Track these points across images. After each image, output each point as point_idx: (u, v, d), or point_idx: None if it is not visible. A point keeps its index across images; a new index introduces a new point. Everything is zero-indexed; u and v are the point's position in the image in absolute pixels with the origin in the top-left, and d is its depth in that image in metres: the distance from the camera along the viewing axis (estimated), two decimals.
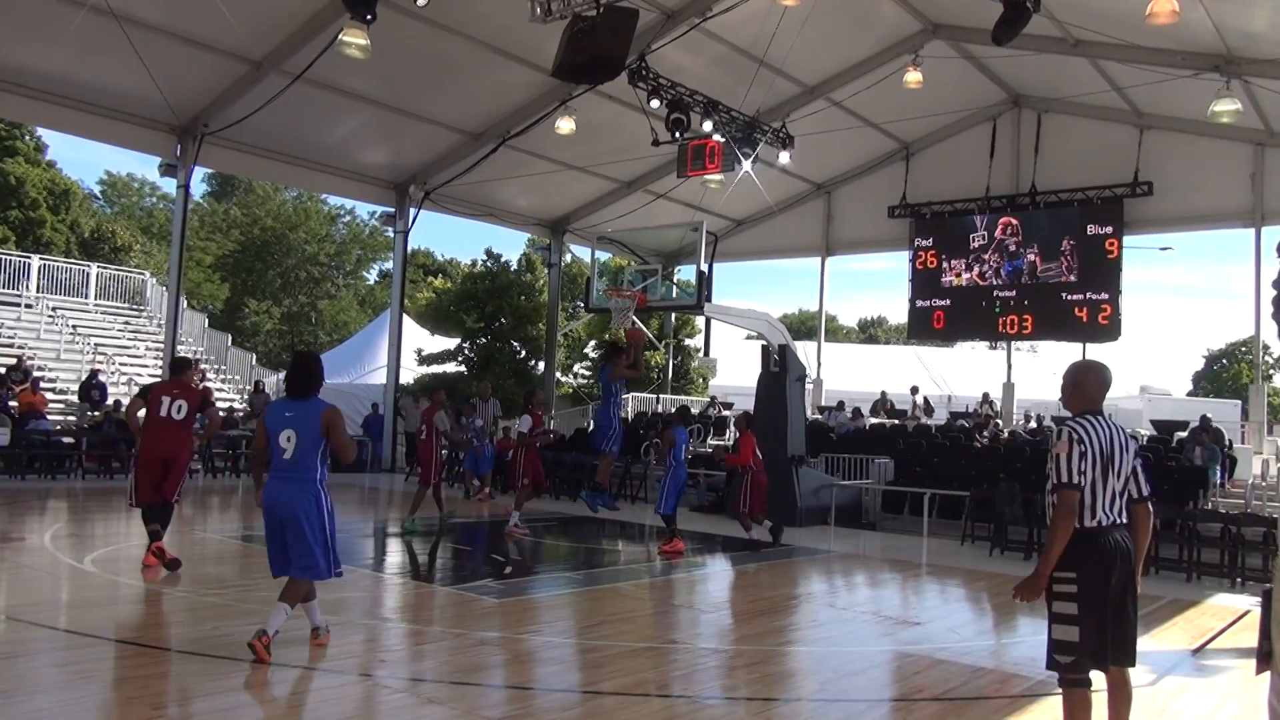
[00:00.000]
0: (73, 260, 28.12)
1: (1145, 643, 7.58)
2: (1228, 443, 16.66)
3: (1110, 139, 19.56)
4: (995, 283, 21.03)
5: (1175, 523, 11.70)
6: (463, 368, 27.34)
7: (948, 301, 21.73)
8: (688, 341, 29.79)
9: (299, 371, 6.04)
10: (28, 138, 37.27)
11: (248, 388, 22.70)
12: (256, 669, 5.48)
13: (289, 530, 5.79)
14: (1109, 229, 19.70)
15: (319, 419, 5.81)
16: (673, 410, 21.67)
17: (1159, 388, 33.60)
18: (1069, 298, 20.05)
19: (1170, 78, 15.85)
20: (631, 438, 19.46)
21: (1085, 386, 4.36)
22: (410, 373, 26.42)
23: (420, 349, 28.05)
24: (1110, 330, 19.69)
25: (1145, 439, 17.78)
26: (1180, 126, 18.55)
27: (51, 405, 18.35)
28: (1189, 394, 48.30)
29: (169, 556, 8.45)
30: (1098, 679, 4.21)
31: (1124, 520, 4.22)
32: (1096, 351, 20.26)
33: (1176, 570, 11.23)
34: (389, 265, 40.90)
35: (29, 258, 24.80)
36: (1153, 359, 58.31)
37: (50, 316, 23.00)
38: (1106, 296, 19.66)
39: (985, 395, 22.21)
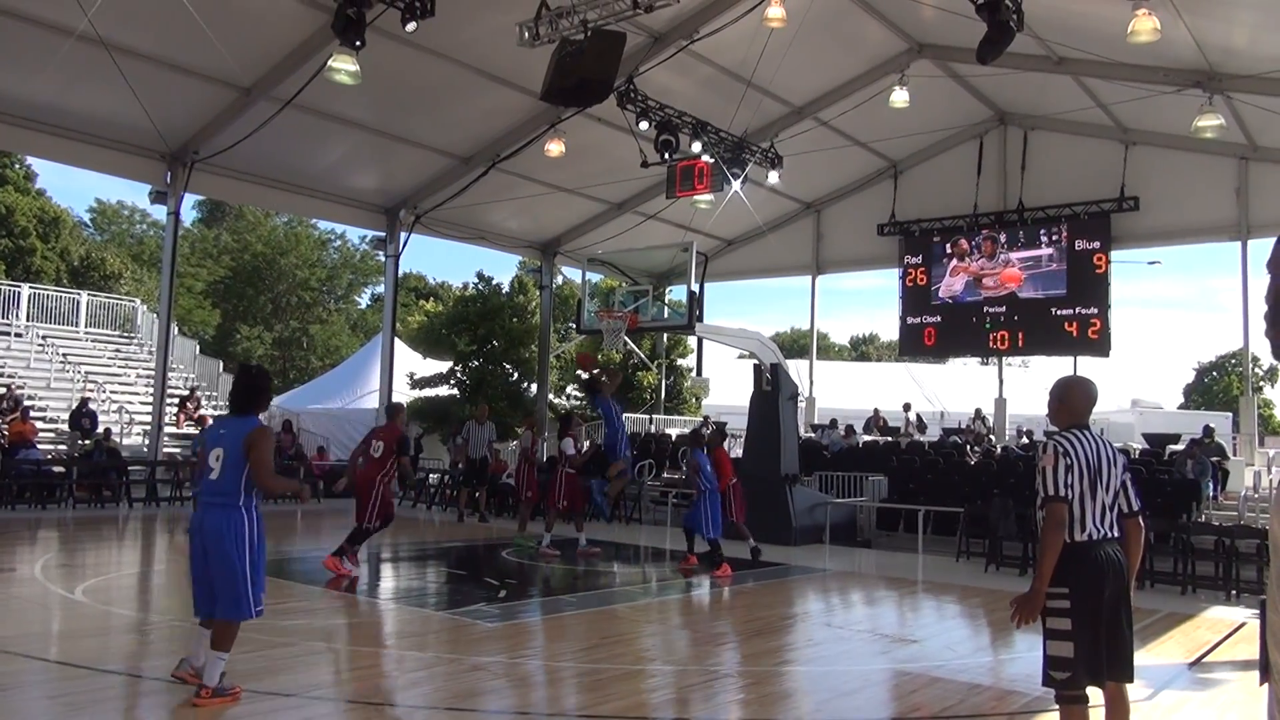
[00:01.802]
0: (63, 288, 28.06)
1: (1142, 657, 7.57)
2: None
3: (1096, 155, 19.72)
4: (985, 298, 21.13)
5: (1169, 536, 11.73)
6: (455, 391, 27.27)
7: (938, 318, 21.81)
8: (680, 361, 29.80)
9: (239, 385, 5.64)
10: (17, 166, 37.33)
11: None
12: (250, 699, 5.43)
13: (212, 561, 5.31)
14: (1097, 244, 19.84)
15: (243, 437, 5.36)
16: (686, 431, 21.66)
17: (1150, 401, 33.74)
18: (1058, 312, 20.15)
19: (1154, 94, 16.02)
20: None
21: (1072, 401, 4.39)
22: (403, 396, 26.34)
23: (412, 373, 27.98)
24: (1100, 344, 19.79)
25: (1137, 453, 17.83)
26: (1165, 142, 18.72)
27: (42, 434, 18.23)
28: (1180, 407, 48.47)
29: (341, 571, 9.77)
30: (1095, 695, 4.20)
31: (1116, 535, 4.22)
32: (1087, 365, 20.37)
33: (1171, 583, 11.23)
34: (380, 289, 40.92)
35: (19, 286, 24.75)
36: (1143, 372, 58.57)
37: (40, 345, 22.92)
38: (1096, 311, 19.77)
39: (978, 411, 22.24)
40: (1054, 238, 20.37)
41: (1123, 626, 4.15)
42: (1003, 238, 21.02)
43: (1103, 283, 19.77)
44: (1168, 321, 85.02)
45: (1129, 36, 12.40)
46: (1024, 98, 19.58)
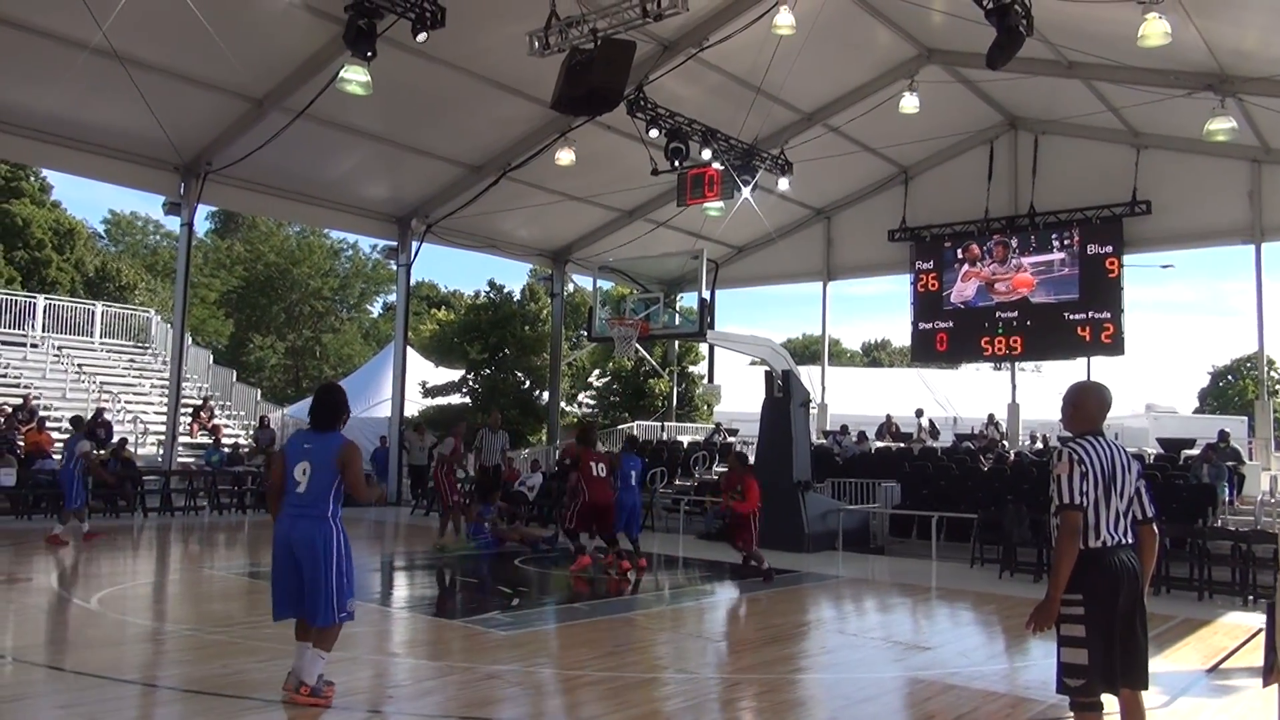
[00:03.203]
0: (78, 299, 28.23)
1: (1158, 663, 7.53)
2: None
3: (1107, 159, 19.66)
4: (997, 303, 21.07)
5: (1185, 541, 11.65)
6: (467, 399, 27.34)
7: (950, 323, 21.76)
8: (691, 369, 29.79)
9: (320, 402, 5.88)
10: (33, 179, 37.63)
11: (253, 423, 22.71)
12: (264, 708, 5.45)
13: (305, 569, 5.50)
14: (1109, 248, 19.76)
15: (336, 453, 5.60)
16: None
17: (1164, 406, 33.53)
18: (1071, 317, 20.07)
19: (1165, 97, 15.97)
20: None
21: (1085, 407, 4.37)
22: (415, 405, 26.43)
23: (425, 381, 28.08)
24: (1113, 349, 19.70)
25: (1152, 457, 17.72)
26: (1177, 145, 18.64)
27: (57, 445, 18.34)
28: (1195, 411, 48.17)
29: (624, 566, 11.26)
30: (1109, 702, 4.18)
31: (1130, 541, 4.19)
32: (1100, 369, 20.28)
33: (1188, 589, 11.16)
34: (392, 298, 41.13)
35: (34, 298, 24.93)
36: (1157, 377, 58.12)
37: (56, 356, 23.06)
38: (1109, 315, 19.68)
39: (990, 417, 22.16)
40: (1066, 242, 20.30)
41: (1137, 633, 4.12)
42: (1014, 242, 20.96)
43: (1115, 287, 19.69)
44: (1181, 325, 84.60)
45: (1140, 40, 12.37)
46: (1035, 102, 19.54)
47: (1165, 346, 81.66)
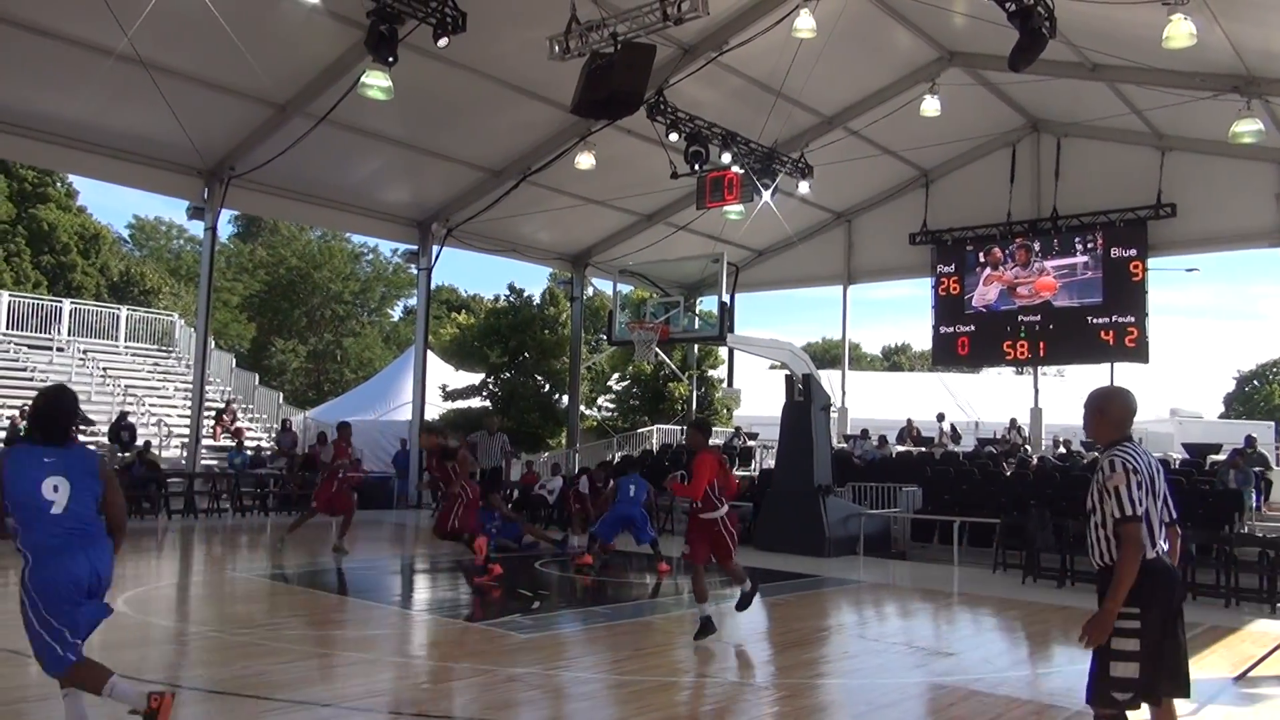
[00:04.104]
0: (103, 303, 28.56)
1: None
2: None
3: (1131, 161, 19.49)
4: (1019, 307, 20.93)
5: (1212, 548, 11.52)
6: (487, 403, 27.39)
7: (972, 327, 21.63)
8: (711, 373, 29.72)
9: (56, 409, 4.62)
10: (59, 184, 38.08)
11: (275, 426, 22.86)
12: (286, 709, 5.47)
13: (96, 599, 4.60)
14: (1133, 251, 19.59)
15: (95, 466, 4.61)
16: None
17: (1190, 410, 33.18)
18: (1095, 321, 19.91)
19: (1190, 99, 15.81)
20: (657, 471, 19.42)
21: (1113, 414, 4.21)
22: (435, 409, 26.51)
23: (445, 384, 28.14)
24: (1138, 353, 19.52)
25: (1177, 463, 17.55)
26: (1202, 148, 18.45)
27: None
28: (1221, 416, 47.67)
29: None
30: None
31: (1166, 546, 4.16)
32: (1124, 374, 20.08)
33: (1214, 596, 11.01)
34: (413, 302, 41.24)
35: (60, 302, 25.24)
36: (1182, 381, 57.49)
37: (81, 359, 23.32)
38: (1133, 319, 19.51)
39: (1013, 421, 22.00)
40: (1089, 245, 20.15)
41: (1182, 640, 4.06)
42: (1037, 246, 20.82)
43: (1140, 290, 19.52)
44: (1207, 329, 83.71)
45: (1164, 42, 12.25)
46: (1057, 105, 19.40)
47: (1190, 350, 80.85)
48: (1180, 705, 6.00)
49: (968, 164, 21.78)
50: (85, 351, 23.74)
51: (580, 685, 6.53)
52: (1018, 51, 11.76)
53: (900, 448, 21.37)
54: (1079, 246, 20.30)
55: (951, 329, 21.90)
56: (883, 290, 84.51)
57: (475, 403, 27.74)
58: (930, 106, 16.82)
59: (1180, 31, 12.02)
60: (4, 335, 23.09)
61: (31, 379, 21.44)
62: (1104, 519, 3.99)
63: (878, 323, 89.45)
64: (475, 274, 73.19)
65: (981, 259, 21.54)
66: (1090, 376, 28.72)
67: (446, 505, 10.73)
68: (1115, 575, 3.92)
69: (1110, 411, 4.21)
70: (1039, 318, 20.70)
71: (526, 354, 27.21)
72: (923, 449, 21.18)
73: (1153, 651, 3.91)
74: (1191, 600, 10.83)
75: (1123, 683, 3.91)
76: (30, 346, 23.00)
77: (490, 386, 27.39)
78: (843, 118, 19.09)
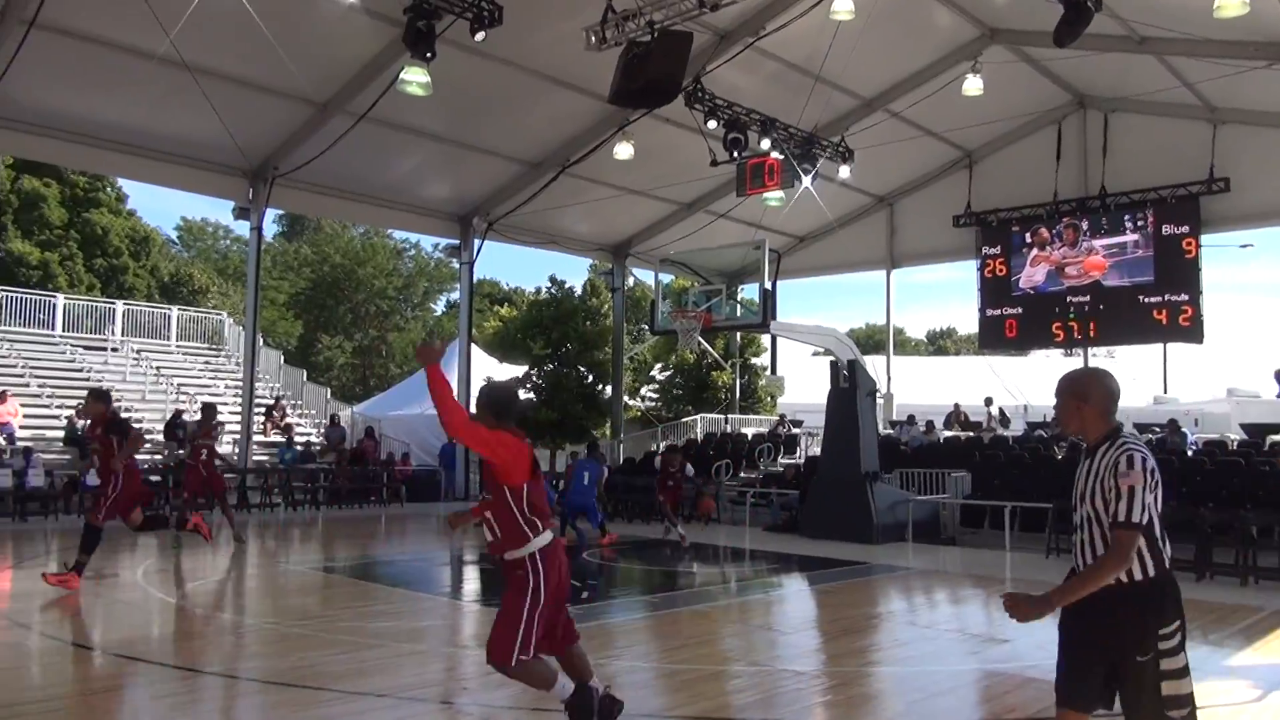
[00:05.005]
0: (154, 304, 29.14)
1: (1249, 656, 7.30)
2: None
3: (1182, 136, 19.01)
4: (1068, 288, 20.55)
5: (1272, 530, 11.25)
6: (531, 394, 27.53)
7: (1019, 309, 21.28)
8: (754, 360, 29.61)
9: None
10: (109, 189, 38.87)
11: (324, 422, 23.19)
12: (342, 699, 5.55)
13: None
14: (1185, 228, 19.13)
15: None
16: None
17: (1247, 390, 32.36)
18: (1146, 300, 19.48)
19: (1243, 70, 15.38)
20: (703, 460, 19.44)
21: (1094, 401, 3.58)
22: None
23: (489, 377, 28.23)
24: (1192, 332, 19.09)
25: (1235, 443, 17.17)
26: (1256, 120, 17.93)
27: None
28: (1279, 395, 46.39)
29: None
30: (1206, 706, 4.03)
31: None
32: (1179, 354, 19.64)
33: (1275, 579, 10.77)
34: (455, 296, 41.63)
35: (113, 303, 25.80)
36: (1239, 360, 56.16)
37: (135, 359, 23.82)
38: (1186, 297, 19.06)
39: None
40: (1140, 223, 19.71)
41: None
42: (1085, 225, 20.42)
43: (1193, 268, 19.06)
44: (1263, 306, 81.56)
45: (1215, 11, 11.92)
46: (1104, 80, 18.97)
47: (1247, 329, 78.84)
48: (1244, 692, 5.88)
49: (1012, 143, 21.39)
50: (139, 351, 24.25)
51: (630, 674, 6.54)
52: (1063, 26, 11.52)
53: (948, 433, 21.12)
54: (1129, 224, 19.87)
55: (998, 311, 21.56)
56: (927, 274, 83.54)
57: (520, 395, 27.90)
58: (973, 85, 16.55)
59: (1232, 0, 11.69)
60: (60, 337, 23.65)
61: (87, 379, 21.94)
62: (1097, 515, 3.46)
63: (922, 307, 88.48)
64: (516, 267, 73.80)
65: (1028, 240, 21.18)
66: (1141, 357, 28.27)
67: (102, 486, 9.48)
68: (1084, 575, 3.41)
69: (1093, 399, 3.58)
70: (1088, 298, 20.31)
71: (569, 345, 27.28)
72: (971, 434, 20.91)
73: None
74: (1254, 584, 10.63)
75: (1181, 700, 3.40)
76: (86, 348, 23.54)
77: (534, 378, 27.52)
78: (883, 100, 18.85)
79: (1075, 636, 3.56)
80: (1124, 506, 3.33)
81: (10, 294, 23.96)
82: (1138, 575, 3.38)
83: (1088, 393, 3.59)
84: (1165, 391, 27.26)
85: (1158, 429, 18.06)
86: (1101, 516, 3.43)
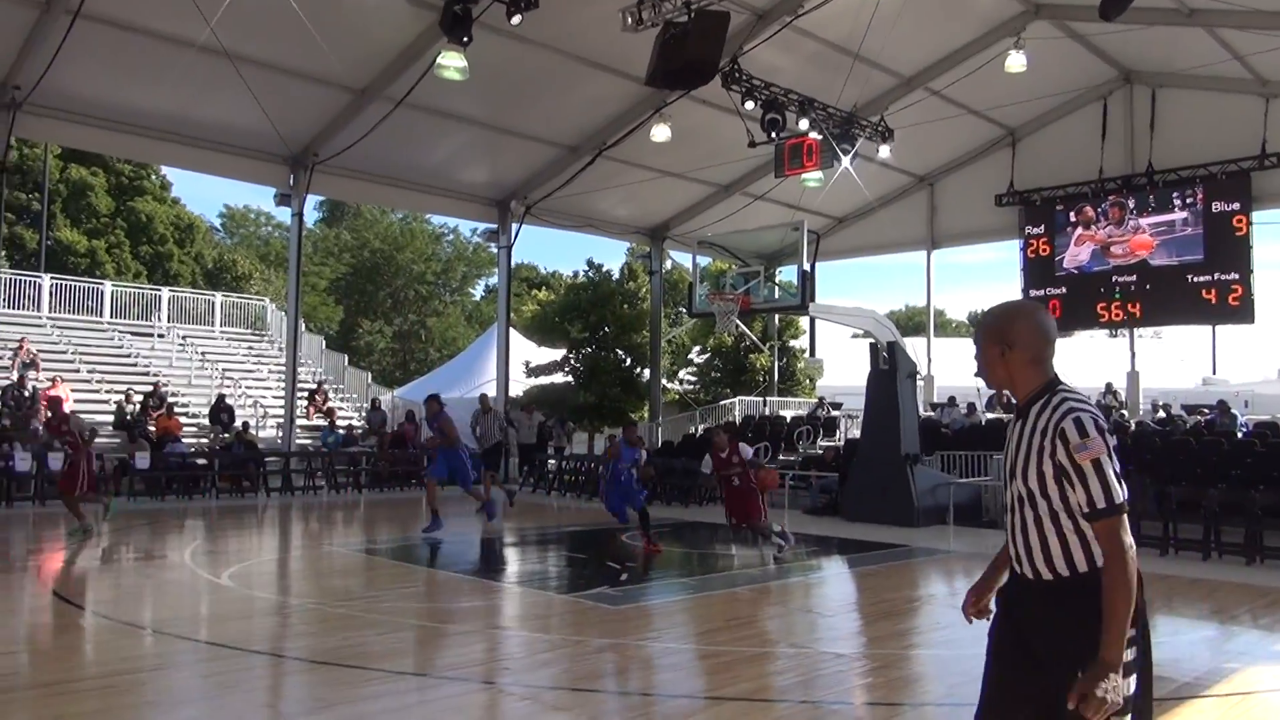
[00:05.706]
0: (199, 290, 29.61)
1: None
2: None
3: (1233, 110, 18.53)
4: (1114, 267, 20.18)
5: None
6: (570, 378, 27.65)
7: (1063, 290, 20.93)
8: (792, 343, 29.46)
9: None
10: (154, 177, 39.52)
11: (365, 405, 23.45)
12: (386, 678, 5.63)
13: None
14: (1236, 205, 18.68)
15: None
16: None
17: None
18: (1195, 279, 19.07)
19: None
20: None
21: (1024, 343, 2.77)
22: (519, 385, 26.87)
23: (528, 361, 28.49)
24: (1243, 312, 18.67)
25: None
26: None
27: (185, 429, 19.31)
28: None
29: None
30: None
31: None
32: (1229, 334, 19.22)
33: None
34: (494, 280, 41.76)
35: (159, 290, 26.23)
36: None
37: (181, 345, 24.22)
38: (1237, 276, 18.63)
39: (1108, 385, 21.31)
40: (1188, 200, 19.27)
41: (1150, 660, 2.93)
42: (1131, 203, 20.01)
43: (1244, 245, 18.61)
44: None
45: None
46: (1151, 54, 18.54)
47: None
48: None
49: (1056, 120, 20.99)
50: (184, 337, 24.65)
51: (670, 656, 6.57)
52: (1109, 0, 11.27)
53: (990, 415, 20.88)
54: (1177, 202, 19.44)
55: (1042, 292, 21.20)
56: (968, 254, 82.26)
57: (558, 378, 28.02)
58: (1016, 62, 16.26)
59: None
60: (109, 324, 24.10)
61: (134, 365, 22.38)
62: (1031, 495, 2.72)
63: (963, 288, 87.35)
64: (554, 251, 74.03)
65: (1073, 219, 20.80)
66: (1189, 337, 27.69)
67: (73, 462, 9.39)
68: (1107, 608, 2.50)
69: (1020, 342, 2.76)
70: (1135, 278, 19.92)
71: (607, 328, 27.34)
72: (1013, 416, 20.62)
73: (1146, 677, 2.73)
74: None
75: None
76: (133, 334, 23.97)
77: (572, 362, 27.62)
78: (923, 78, 18.57)
79: (1005, 647, 2.82)
80: (1096, 489, 2.57)
81: (59, 281, 24.45)
82: (1082, 566, 2.63)
83: (1013, 334, 2.75)
84: (1214, 372, 26.74)
85: (1207, 410, 17.72)
86: (1038, 498, 2.69)
